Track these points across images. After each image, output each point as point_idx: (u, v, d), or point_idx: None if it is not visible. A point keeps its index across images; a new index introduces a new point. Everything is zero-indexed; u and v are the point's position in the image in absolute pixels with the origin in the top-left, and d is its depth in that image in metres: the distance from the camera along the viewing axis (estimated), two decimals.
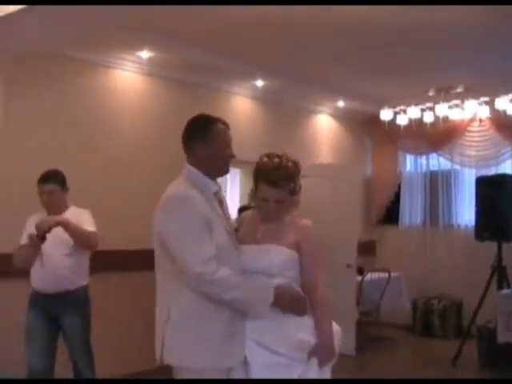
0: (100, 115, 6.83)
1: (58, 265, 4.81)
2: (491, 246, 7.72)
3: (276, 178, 3.17)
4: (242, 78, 8.03)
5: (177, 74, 7.48)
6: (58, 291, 4.84)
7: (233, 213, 9.41)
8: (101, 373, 5.22)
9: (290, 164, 3.24)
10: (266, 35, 6.37)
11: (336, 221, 8.10)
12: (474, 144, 9.58)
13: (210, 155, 3.18)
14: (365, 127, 10.52)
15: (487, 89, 8.66)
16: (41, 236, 4.54)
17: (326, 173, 8.62)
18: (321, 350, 3.07)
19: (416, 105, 9.20)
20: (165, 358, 3.02)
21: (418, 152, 10.23)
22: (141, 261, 5.60)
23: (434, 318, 9.56)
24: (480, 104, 8.92)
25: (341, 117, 10.17)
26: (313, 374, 3.06)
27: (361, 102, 9.55)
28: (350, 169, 9.18)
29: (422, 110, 9.27)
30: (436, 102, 8.97)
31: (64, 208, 4.98)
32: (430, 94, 8.82)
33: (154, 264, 3.15)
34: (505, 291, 7.25)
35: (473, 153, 9.62)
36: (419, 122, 9.39)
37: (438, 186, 10.10)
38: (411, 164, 10.49)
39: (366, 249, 10.11)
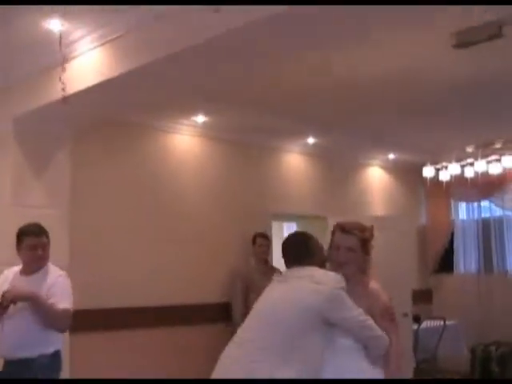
0: (161, 177, 7.26)
1: (19, 329, 4.45)
2: None
3: (349, 227, 3.52)
4: (293, 136, 8.37)
5: (230, 136, 7.87)
6: (18, 358, 4.46)
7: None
8: None
9: (364, 224, 3.60)
10: (317, 96, 6.65)
11: (392, 271, 8.24)
12: None
13: None
14: (416, 177, 10.68)
15: None
16: (5, 306, 4.32)
17: (380, 224, 8.81)
18: None
19: (457, 161, 9.37)
20: None
21: (469, 200, 10.37)
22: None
23: (492, 365, 9.56)
24: None
25: (392, 168, 10.40)
26: None
27: (411, 153, 9.77)
28: (404, 219, 9.39)
29: (462, 166, 9.41)
30: (475, 158, 9.18)
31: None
32: (469, 150, 9.06)
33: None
34: None
35: None
36: (461, 177, 9.54)
37: (490, 233, 10.20)
38: (464, 212, 10.62)
39: (423, 297, 10.20)
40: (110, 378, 5.99)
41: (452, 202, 10.67)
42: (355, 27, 3.82)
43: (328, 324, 3.30)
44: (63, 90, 3.11)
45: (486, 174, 9.28)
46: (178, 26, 4.03)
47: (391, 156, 9.86)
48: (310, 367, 3.26)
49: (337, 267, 3.50)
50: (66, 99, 3.30)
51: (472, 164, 9.31)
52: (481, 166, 9.17)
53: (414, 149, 9.57)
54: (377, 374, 3.38)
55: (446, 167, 9.52)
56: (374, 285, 3.58)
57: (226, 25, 3.65)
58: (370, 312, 3.41)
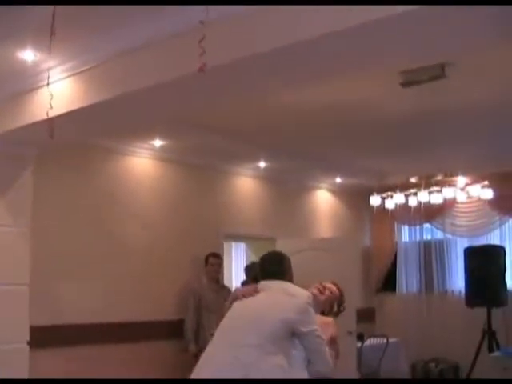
0: (119, 198, 7.53)
1: None
2: (482, 311, 8.28)
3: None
4: (245, 160, 8.72)
5: (185, 159, 8.17)
6: None
7: (233, 283, 10.10)
8: None
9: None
10: (267, 121, 7.01)
11: None
12: (463, 215, 10.21)
13: None
14: (362, 200, 11.01)
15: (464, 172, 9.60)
16: None
17: (326, 246, 9.18)
18: None
19: (401, 191, 9.83)
20: None
21: (412, 223, 10.79)
22: None
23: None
24: (455, 191, 9.66)
25: (338, 191, 10.80)
26: None
27: (357, 177, 10.20)
28: (349, 241, 9.72)
29: (406, 196, 9.88)
30: (418, 188, 9.75)
31: None
32: (413, 180, 9.62)
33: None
34: (495, 353, 7.79)
35: (463, 223, 10.23)
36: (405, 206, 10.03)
37: (432, 255, 10.65)
38: (406, 234, 11.05)
39: (366, 315, 10.58)
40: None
41: (396, 225, 11.09)
42: (307, 65, 4.13)
43: (292, 334, 3.80)
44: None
45: (427, 204, 9.80)
46: (145, 62, 4.33)
47: (338, 180, 10.26)
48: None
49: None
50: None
51: (415, 194, 9.81)
52: (423, 196, 9.68)
53: (360, 174, 10.03)
54: None
55: (392, 196, 9.98)
56: (329, 320, 4.35)
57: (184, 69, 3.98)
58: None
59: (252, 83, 4.54)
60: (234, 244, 10.90)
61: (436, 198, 9.68)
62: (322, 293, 4.40)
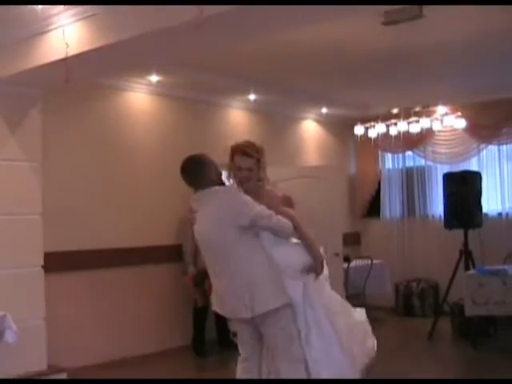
0: (120, 132, 8.00)
1: None
2: (459, 233, 8.78)
3: (248, 150, 4.43)
4: (237, 93, 9.12)
5: (180, 93, 8.56)
6: None
7: None
8: None
9: (256, 143, 4.54)
10: (258, 56, 7.31)
11: (324, 216, 9.06)
12: (443, 143, 10.68)
13: None
14: (347, 130, 11.36)
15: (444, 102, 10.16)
16: None
17: (313, 173, 9.58)
18: (316, 266, 4.33)
19: (383, 121, 10.39)
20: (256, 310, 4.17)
21: (395, 151, 11.22)
22: None
23: (413, 300, 10.57)
24: (432, 121, 10.29)
25: (325, 122, 11.18)
26: (312, 282, 4.32)
27: (342, 108, 10.65)
28: (335, 169, 10.14)
29: (388, 126, 10.45)
30: (398, 119, 10.30)
31: None
32: (394, 111, 10.21)
33: None
34: (470, 271, 8.33)
35: (443, 150, 10.69)
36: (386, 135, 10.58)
37: (413, 182, 11.12)
38: (390, 162, 11.48)
39: (352, 239, 11.16)
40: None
41: (379, 154, 11.52)
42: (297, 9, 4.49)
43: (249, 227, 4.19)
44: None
45: (406, 133, 10.34)
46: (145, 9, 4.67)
47: (324, 110, 10.64)
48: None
49: (239, 183, 4.46)
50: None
51: (396, 124, 10.36)
52: (403, 125, 10.24)
53: (345, 106, 10.51)
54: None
55: (374, 126, 10.49)
56: (269, 188, 4.53)
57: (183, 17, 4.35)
58: (270, 207, 4.30)
59: (246, 29, 4.91)
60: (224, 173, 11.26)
61: (414, 128, 10.26)
62: (247, 179, 4.44)
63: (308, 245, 4.36)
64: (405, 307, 10.70)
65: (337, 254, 9.16)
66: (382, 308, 10.75)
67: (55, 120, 7.13)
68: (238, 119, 9.63)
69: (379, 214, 11.50)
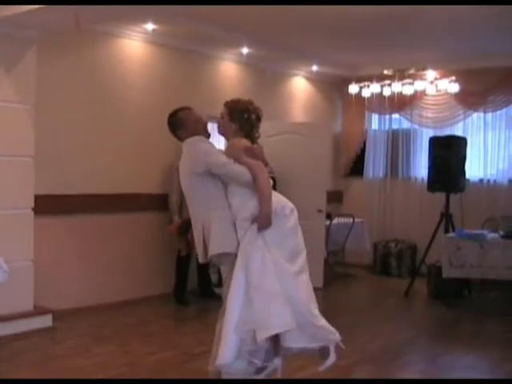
0: (112, 79, 7.97)
1: None
2: (441, 197, 8.97)
3: (228, 101, 4.63)
4: (230, 46, 9.12)
5: (174, 43, 8.55)
6: None
7: None
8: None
9: (242, 99, 4.64)
10: (253, 10, 7.23)
11: (309, 172, 9.20)
12: (430, 107, 10.77)
13: None
14: (336, 89, 11.59)
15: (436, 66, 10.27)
16: None
17: (300, 130, 9.71)
18: (260, 220, 4.29)
19: (377, 81, 10.60)
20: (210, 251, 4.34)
21: (382, 112, 11.33)
22: None
23: (391, 259, 10.79)
24: (425, 84, 10.49)
25: (314, 79, 11.21)
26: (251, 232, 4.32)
27: (332, 67, 10.70)
28: (322, 126, 10.24)
29: (382, 86, 10.67)
30: (392, 80, 10.51)
31: None
32: (387, 72, 10.36)
33: None
34: (450, 234, 8.53)
35: (429, 114, 10.79)
36: (379, 95, 10.80)
37: (398, 143, 11.21)
38: (376, 123, 11.55)
39: (335, 197, 11.34)
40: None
41: (366, 114, 11.59)
42: None
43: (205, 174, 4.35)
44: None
45: (400, 94, 10.56)
46: None
47: (315, 68, 10.67)
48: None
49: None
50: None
51: (390, 85, 10.55)
52: (397, 87, 10.46)
53: (336, 64, 10.56)
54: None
55: (368, 86, 10.69)
56: (234, 139, 4.59)
57: None
58: (231, 156, 4.41)
59: None
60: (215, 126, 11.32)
61: (408, 90, 10.44)
62: (218, 126, 4.64)
63: (260, 196, 4.33)
64: (382, 266, 10.92)
65: (320, 211, 9.31)
66: (359, 266, 11.03)
67: (48, 64, 7.09)
68: (229, 72, 9.64)
69: (362, 174, 11.62)
